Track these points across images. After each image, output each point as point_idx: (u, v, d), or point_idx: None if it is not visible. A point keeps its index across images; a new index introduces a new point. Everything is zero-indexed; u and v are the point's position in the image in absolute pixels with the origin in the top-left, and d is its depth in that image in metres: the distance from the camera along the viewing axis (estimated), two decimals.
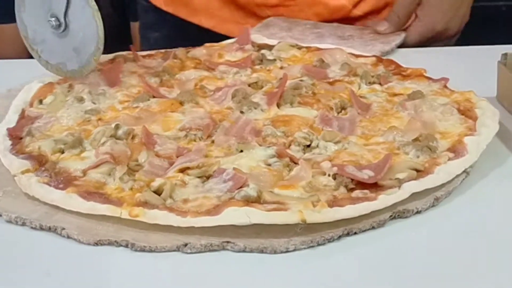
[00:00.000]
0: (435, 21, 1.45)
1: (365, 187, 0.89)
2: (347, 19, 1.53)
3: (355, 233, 0.85)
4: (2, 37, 2.45)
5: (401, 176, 0.91)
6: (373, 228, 0.86)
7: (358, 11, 1.54)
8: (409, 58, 1.33)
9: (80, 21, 1.12)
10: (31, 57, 1.21)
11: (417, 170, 0.92)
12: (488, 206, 0.91)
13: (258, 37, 1.38)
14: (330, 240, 0.84)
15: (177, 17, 1.56)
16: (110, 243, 0.84)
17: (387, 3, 1.58)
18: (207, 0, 1.53)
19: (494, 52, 1.17)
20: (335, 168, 0.92)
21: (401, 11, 1.45)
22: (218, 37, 1.39)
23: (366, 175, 0.90)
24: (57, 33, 1.14)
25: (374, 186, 0.89)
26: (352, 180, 0.90)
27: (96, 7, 1.09)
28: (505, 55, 1.14)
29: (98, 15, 1.10)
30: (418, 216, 0.88)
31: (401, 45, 1.43)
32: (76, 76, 1.16)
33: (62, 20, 1.13)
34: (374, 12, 1.57)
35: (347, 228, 0.84)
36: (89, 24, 1.11)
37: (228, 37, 1.38)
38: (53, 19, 1.13)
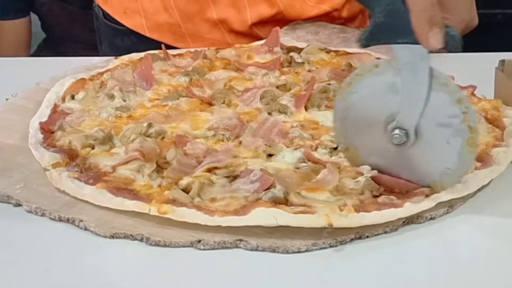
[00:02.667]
0: (461, 10, 1.42)
1: (392, 193, 0.88)
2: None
3: (367, 236, 0.84)
4: (1, 34, 2.44)
5: None
6: (386, 232, 0.84)
7: (337, 17, 1.52)
8: None
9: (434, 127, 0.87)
10: (30, 55, 1.21)
11: None
12: (503, 217, 0.89)
13: (288, 40, 1.36)
14: (342, 243, 0.83)
15: (159, 41, 1.44)
16: (126, 237, 0.84)
17: (361, 10, 1.57)
18: (195, 25, 1.48)
19: (492, 59, 1.16)
20: (374, 171, 0.90)
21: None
22: None
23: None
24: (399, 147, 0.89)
25: (407, 190, 0.88)
26: (379, 184, 0.88)
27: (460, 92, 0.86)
28: (502, 61, 1.14)
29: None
30: (431, 222, 0.86)
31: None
32: None
33: (412, 134, 0.87)
34: (352, 18, 1.55)
35: (360, 231, 0.83)
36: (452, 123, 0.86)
37: None
38: (397, 131, 0.87)
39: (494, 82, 1.14)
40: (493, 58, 1.16)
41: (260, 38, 1.39)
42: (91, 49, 1.79)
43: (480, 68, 1.18)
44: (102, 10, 1.59)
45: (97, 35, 1.66)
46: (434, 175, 0.87)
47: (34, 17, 2.57)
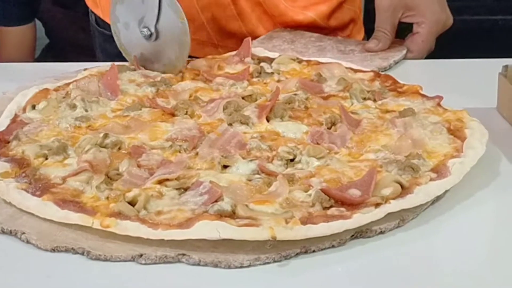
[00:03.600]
0: (435, 11, 1.41)
1: (342, 205, 0.86)
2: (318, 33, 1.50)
3: (314, 251, 0.81)
4: (7, 40, 2.47)
5: (386, 192, 0.87)
6: (333, 246, 0.82)
7: (325, 25, 1.52)
8: (411, 71, 1.32)
9: (169, 27, 1.22)
10: (34, 60, 1.20)
11: (402, 186, 0.88)
12: (456, 232, 0.86)
13: (260, 50, 1.34)
14: (287, 257, 0.80)
15: None
16: (67, 250, 0.82)
17: (352, 19, 1.57)
18: None
19: (495, 65, 1.16)
20: (324, 185, 0.89)
21: (384, 25, 1.41)
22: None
23: (353, 194, 0.87)
24: (148, 41, 1.23)
25: (352, 203, 0.85)
26: (330, 197, 0.86)
27: (182, 12, 1.20)
28: (505, 67, 1.14)
29: (184, 18, 1.20)
30: (381, 236, 0.84)
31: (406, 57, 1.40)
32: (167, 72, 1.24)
33: (153, 30, 1.22)
34: (340, 27, 1.55)
35: (306, 245, 0.81)
36: (176, 31, 1.21)
37: None
38: (145, 29, 1.23)
39: (497, 88, 1.15)
40: (495, 64, 1.16)
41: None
42: (94, 55, 1.79)
43: (482, 74, 1.20)
44: (94, 15, 1.60)
45: (92, 40, 1.68)
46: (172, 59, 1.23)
47: (38, 23, 2.60)
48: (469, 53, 1.36)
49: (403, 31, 1.45)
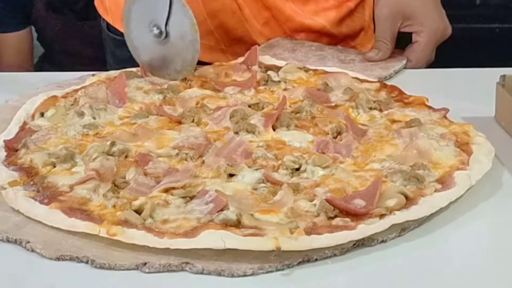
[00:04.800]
0: (433, 20, 1.42)
1: (347, 215, 0.86)
2: (329, 40, 1.52)
3: (316, 259, 0.81)
4: (5, 46, 2.51)
5: (391, 203, 0.88)
6: (335, 255, 0.82)
7: (336, 32, 1.52)
8: (410, 80, 1.32)
9: (179, 31, 1.22)
10: (33, 67, 1.21)
11: (406, 197, 0.89)
12: (459, 243, 0.87)
13: (267, 58, 1.35)
14: (289, 266, 0.80)
15: None
16: (71, 259, 0.82)
17: (363, 27, 1.57)
18: None
19: (493, 74, 1.16)
20: (329, 195, 0.89)
21: (384, 35, 1.41)
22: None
23: (358, 205, 0.87)
24: (158, 41, 1.24)
25: (356, 214, 0.86)
26: (334, 207, 0.86)
27: (194, 19, 1.21)
28: (503, 76, 1.15)
29: (195, 25, 1.21)
30: (383, 245, 0.84)
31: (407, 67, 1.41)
32: (173, 78, 1.25)
33: (163, 29, 1.23)
34: (351, 35, 1.56)
35: (308, 254, 0.81)
36: (187, 33, 1.22)
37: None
38: (155, 28, 1.23)
39: (495, 97, 1.16)
40: (493, 73, 1.16)
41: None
42: (88, 63, 1.80)
43: (481, 83, 1.20)
44: (106, 21, 1.61)
45: (104, 46, 1.69)
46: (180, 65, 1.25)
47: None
48: (467, 60, 1.36)
49: (402, 40, 1.45)
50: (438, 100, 1.14)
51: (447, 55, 1.45)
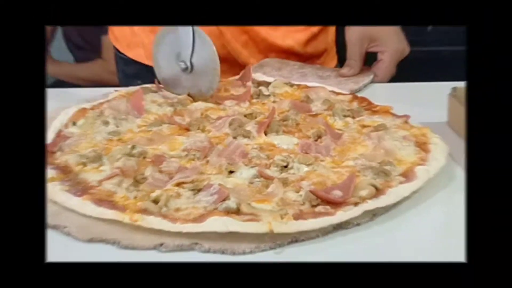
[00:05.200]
0: (395, 41, 1.43)
1: (328, 204, 0.87)
2: (297, 58, 1.52)
3: (303, 240, 0.83)
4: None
5: (363, 193, 0.89)
6: (318, 236, 0.83)
7: (303, 52, 1.53)
8: (378, 92, 1.33)
9: (202, 61, 1.22)
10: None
11: (376, 188, 0.90)
12: (419, 227, 0.87)
13: (259, 75, 1.36)
14: (280, 246, 0.82)
15: None
16: (101, 241, 0.83)
17: (326, 48, 1.58)
18: None
19: (445, 87, 1.18)
20: (312, 187, 0.90)
21: (354, 55, 1.43)
22: None
23: (336, 195, 0.88)
24: (185, 73, 1.24)
25: (335, 202, 0.87)
26: (317, 197, 0.87)
27: (214, 47, 1.20)
28: (454, 88, 1.16)
29: (216, 54, 1.21)
30: (357, 228, 0.85)
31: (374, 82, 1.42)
32: (198, 99, 1.24)
33: (188, 64, 1.23)
34: (316, 55, 1.57)
35: (296, 236, 0.82)
36: (210, 62, 1.22)
37: None
38: (182, 63, 1.23)
39: (447, 107, 1.17)
40: (445, 87, 1.18)
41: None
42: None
43: (435, 94, 1.20)
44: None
45: (115, 64, 1.70)
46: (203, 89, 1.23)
47: None
48: (422, 78, 1.38)
49: (369, 59, 1.47)
50: (400, 108, 1.15)
51: (406, 71, 1.47)
